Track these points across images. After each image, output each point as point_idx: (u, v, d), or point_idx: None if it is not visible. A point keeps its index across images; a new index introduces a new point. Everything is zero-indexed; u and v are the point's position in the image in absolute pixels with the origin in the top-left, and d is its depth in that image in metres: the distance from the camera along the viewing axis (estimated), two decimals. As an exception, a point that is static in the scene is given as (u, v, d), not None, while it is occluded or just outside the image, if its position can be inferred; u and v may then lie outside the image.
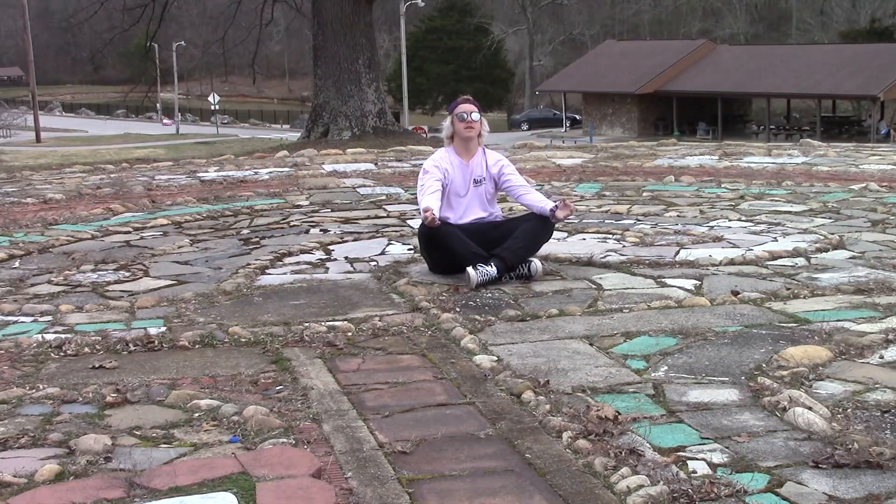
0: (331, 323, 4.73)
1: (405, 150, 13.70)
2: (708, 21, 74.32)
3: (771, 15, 75.07)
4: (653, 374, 3.89)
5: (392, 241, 6.90)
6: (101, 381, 3.91)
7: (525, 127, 59.14)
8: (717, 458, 3.07)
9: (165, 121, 72.73)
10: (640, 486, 2.83)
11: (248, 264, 6.17)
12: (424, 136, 25.62)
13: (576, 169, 11.04)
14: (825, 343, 4.18)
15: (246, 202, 8.95)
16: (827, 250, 6.23)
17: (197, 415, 3.55)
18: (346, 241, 6.96)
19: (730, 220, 7.47)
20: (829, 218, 7.50)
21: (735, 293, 5.11)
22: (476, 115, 5.90)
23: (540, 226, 5.77)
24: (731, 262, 5.89)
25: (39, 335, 4.61)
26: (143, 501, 2.83)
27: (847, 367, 3.91)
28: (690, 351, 4.18)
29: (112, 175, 11.55)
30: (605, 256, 6.13)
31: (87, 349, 4.34)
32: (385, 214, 8.12)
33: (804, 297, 5.02)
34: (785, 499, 2.78)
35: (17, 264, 6.43)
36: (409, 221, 7.64)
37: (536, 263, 5.62)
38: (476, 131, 5.90)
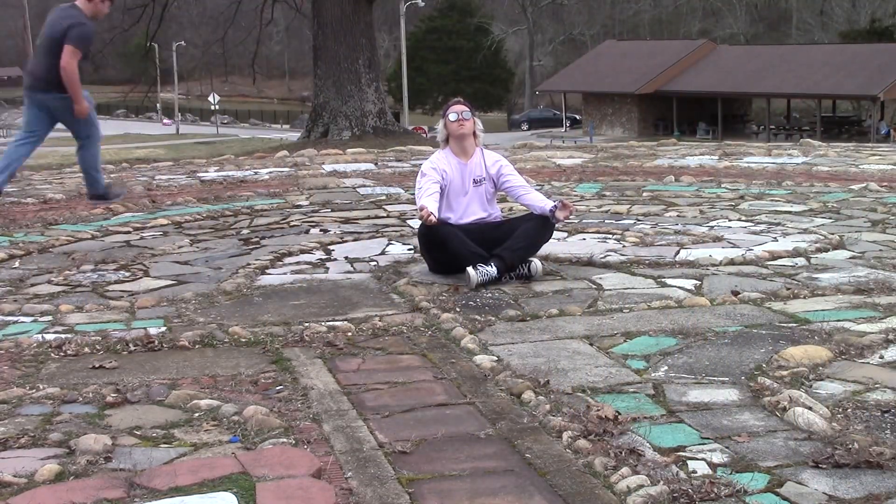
0: (331, 323, 4.73)
1: (405, 150, 13.69)
2: (708, 21, 74.35)
3: (771, 15, 75.09)
4: (653, 374, 3.89)
5: (392, 241, 6.90)
6: (101, 381, 3.91)
7: (525, 127, 59.18)
8: (717, 458, 3.07)
9: (165, 121, 72.78)
10: (640, 486, 2.83)
11: (248, 264, 6.17)
12: (424, 136, 25.63)
13: (576, 169, 11.04)
14: (825, 343, 4.18)
15: (246, 202, 8.94)
16: (827, 250, 6.23)
17: (197, 415, 3.55)
18: (346, 241, 6.96)
19: (730, 220, 7.47)
20: (829, 218, 7.50)
21: (735, 293, 5.11)
22: (468, 114, 5.92)
23: (540, 226, 5.78)
24: (731, 262, 5.89)
25: (39, 335, 4.61)
26: (143, 501, 2.83)
27: (847, 367, 3.91)
28: (690, 351, 4.18)
29: (112, 175, 11.54)
30: (605, 256, 6.13)
31: (87, 349, 4.34)
32: (385, 214, 8.12)
33: (804, 297, 5.02)
34: (785, 499, 2.78)
35: (17, 264, 6.43)
36: (409, 221, 7.64)
37: (536, 263, 5.62)
38: (468, 129, 5.92)
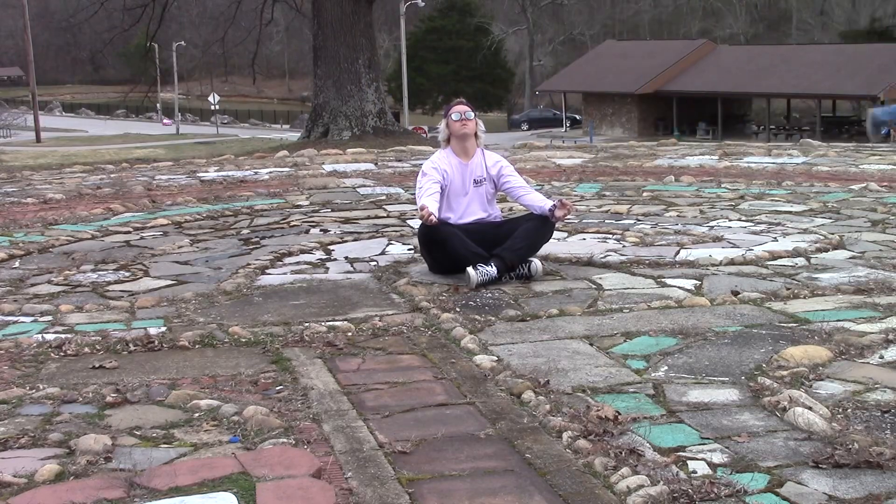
0: (331, 323, 4.73)
1: (405, 150, 13.70)
2: (708, 21, 74.30)
3: (771, 15, 75.07)
4: (653, 374, 3.89)
5: (392, 241, 6.90)
6: (101, 381, 3.91)
7: (525, 127, 59.11)
8: (717, 458, 3.07)
9: (165, 121, 72.73)
10: (640, 486, 2.83)
11: (248, 264, 6.17)
12: (424, 136, 25.65)
13: (576, 169, 11.04)
14: (825, 343, 4.18)
15: (246, 202, 8.95)
16: (827, 250, 6.23)
17: (197, 415, 3.55)
18: (346, 241, 6.96)
19: (730, 220, 7.47)
20: (829, 218, 7.50)
21: (735, 293, 5.10)
22: (470, 114, 5.93)
23: (540, 226, 5.78)
24: (731, 262, 5.89)
25: (39, 335, 4.61)
26: (143, 501, 2.83)
27: (847, 367, 3.91)
28: (690, 351, 4.18)
29: (112, 175, 11.55)
30: (605, 256, 6.13)
31: (87, 349, 4.34)
32: (385, 214, 8.12)
33: (804, 297, 5.02)
34: (785, 499, 2.78)
35: (17, 264, 6.43)
36: (409, 221, 7.65)
37: (536, 263, 5.62)
38: (471, 129, 5.93)
